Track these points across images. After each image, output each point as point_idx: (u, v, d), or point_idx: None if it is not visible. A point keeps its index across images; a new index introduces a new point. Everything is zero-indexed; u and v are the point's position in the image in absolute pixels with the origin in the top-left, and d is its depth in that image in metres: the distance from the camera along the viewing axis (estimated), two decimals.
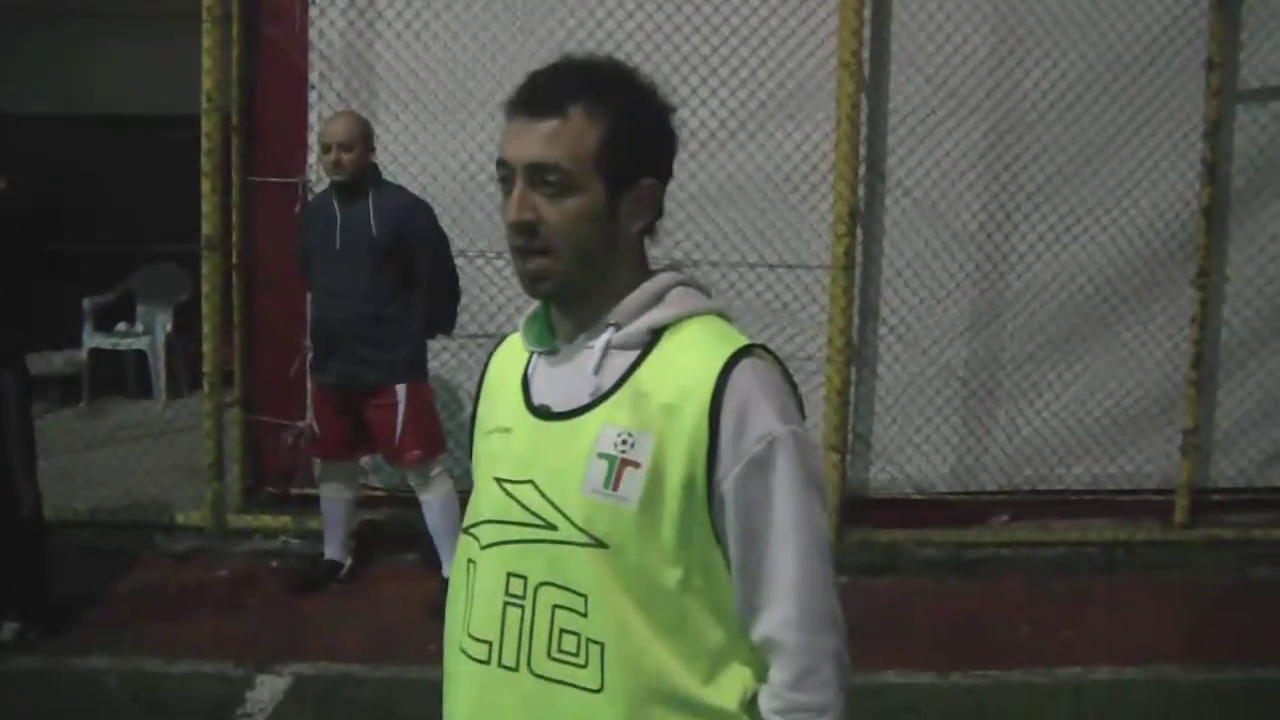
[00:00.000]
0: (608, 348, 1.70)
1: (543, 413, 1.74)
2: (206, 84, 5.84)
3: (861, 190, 6.03)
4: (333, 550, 5.67)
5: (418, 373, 5.34)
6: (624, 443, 1.64)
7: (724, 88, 6.01)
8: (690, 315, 1.72)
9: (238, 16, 6.10)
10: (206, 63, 5.82)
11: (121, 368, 9.14)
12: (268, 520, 6.21)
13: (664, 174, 1.75)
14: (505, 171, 1.69)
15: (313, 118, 6.01)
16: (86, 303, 8.83)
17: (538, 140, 1.65)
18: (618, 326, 1.71)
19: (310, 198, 5.84)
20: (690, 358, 1.67)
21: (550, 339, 1.78)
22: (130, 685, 4.66)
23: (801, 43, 6.03)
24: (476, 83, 5.93)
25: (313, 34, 6.05)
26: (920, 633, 5.22)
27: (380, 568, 5.84)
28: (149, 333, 8.96)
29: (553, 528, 1.67)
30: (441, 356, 5.91)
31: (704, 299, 1.77)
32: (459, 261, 5.50)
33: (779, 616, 1.65)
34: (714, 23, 6.00)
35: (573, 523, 1.66)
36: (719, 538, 1.66)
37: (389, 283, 5.18)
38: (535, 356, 1.80)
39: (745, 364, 1.66)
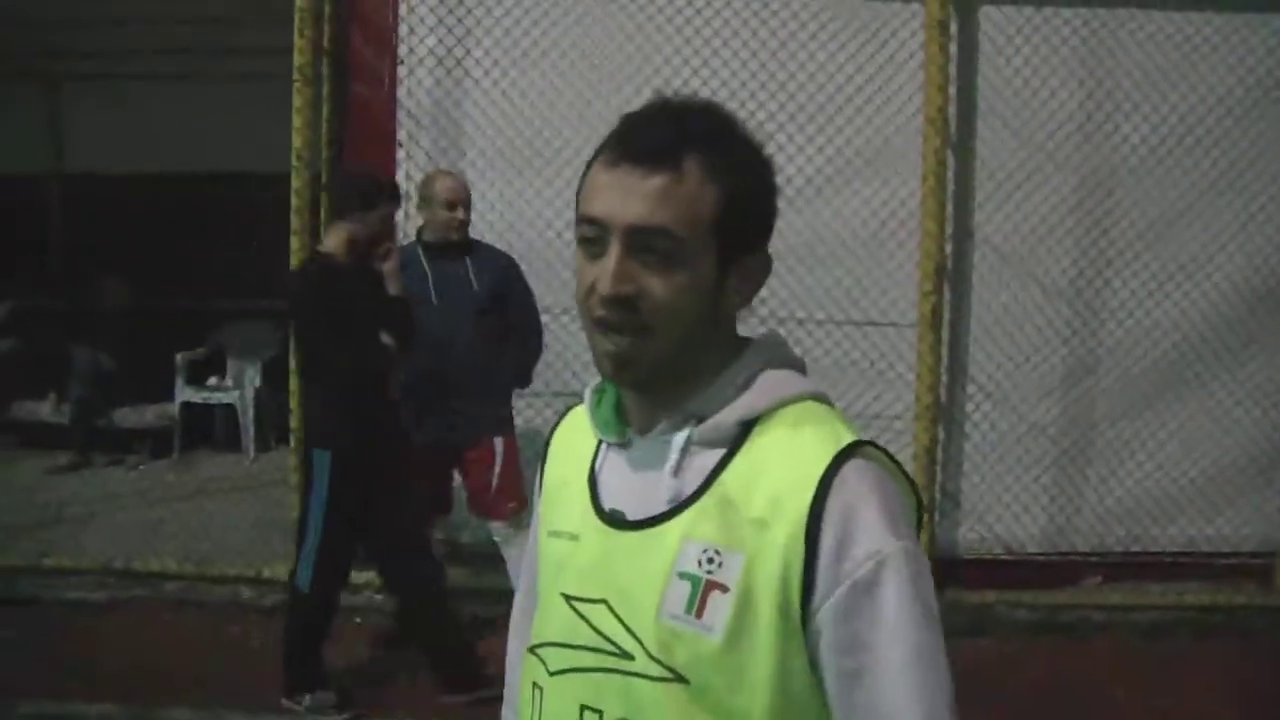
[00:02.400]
0: (688, 445, 1.44)
1: (615, 520, 1.48)
2: (297, 142, 5.95)
3: (948, 246, 5.98)
4: None
5: (510, 426, 5.41)
6: (710, 561, 1.39)
7: (810, 144, 6.00)
8: (785, 403, 1.45)
9: (328, 77, 6.20)
10: (297, 121, 5.94)
11: (211, 421, 9.29)
12: (352, 575, 6.22)
13: (768, 240, 1.50)
14: (596, 231, 1.41)
15: (400, 176, 6.09)
16: (179, 357, 9.01)
17: (645, 199, 1.38)
18: (700, 419, 1.44)
19: None
20: (786, 460, 1.40)
21: (621, 426, 1.52)
22: None
23: (888, 99, 6.02)
24: (563, 141, 5.96)
25: (401, 93, 6.15)
26: (1011, 697, 5.08)
27: (465, 624, 5.80)
28: (238, 387, 9.12)
29: (629, 657, 1.42)
30: (526, 414, 5.91)
31: (800, 381, 1.50)
32: (544, 319, 5.55)
33: None
34: (799, 79, 6.00)
35: (648, 652, 1.40)
36: (816, 672, 1.40)
37: (486, 337, 5.23)
38: (605, 446, 1.54)
39: (850, 466, 1.39)
